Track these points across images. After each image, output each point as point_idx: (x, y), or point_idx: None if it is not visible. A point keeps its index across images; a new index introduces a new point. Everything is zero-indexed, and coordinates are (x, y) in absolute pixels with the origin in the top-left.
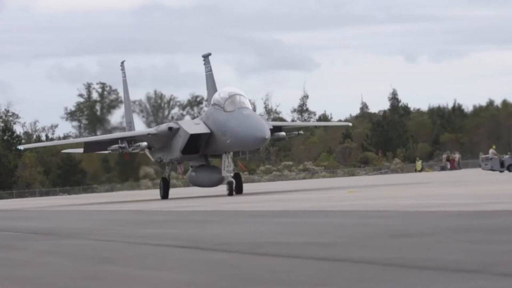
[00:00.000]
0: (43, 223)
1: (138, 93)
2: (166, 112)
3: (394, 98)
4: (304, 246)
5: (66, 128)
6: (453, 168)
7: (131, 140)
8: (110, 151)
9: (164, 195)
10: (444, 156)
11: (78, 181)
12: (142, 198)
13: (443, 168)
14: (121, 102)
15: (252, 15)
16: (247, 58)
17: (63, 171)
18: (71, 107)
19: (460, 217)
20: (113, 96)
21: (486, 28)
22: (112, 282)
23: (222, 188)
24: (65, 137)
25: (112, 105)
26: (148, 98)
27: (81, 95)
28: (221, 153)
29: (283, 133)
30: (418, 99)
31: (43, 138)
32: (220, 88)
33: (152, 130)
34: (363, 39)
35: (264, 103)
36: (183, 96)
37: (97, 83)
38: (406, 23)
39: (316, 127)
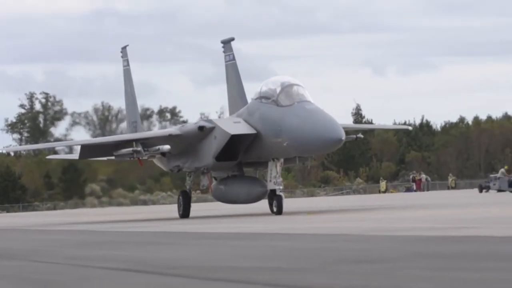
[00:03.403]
0: None
1: (85, 104)
2: (114, 126)
3: (357, 114)
4: (259, 271)
5: (6, 140)
6: (418, 189)
7: (143, 143)
8: (116, 157)
9: (184, 213)
10: (411, 176)
11: (18, 198)
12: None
13: (408, 189)
14: (65, 114)
15: (209, 22)
16: (204, 68)
17: (1, 187)
18: (12, 118)
19: (426, 242)
20: (57, 108)
21: (459, 40)
22: None
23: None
24: None
25: (56, 117)
26: (95, 110)
27: (22, 106)
28: (265, 160)
29: None
30: (383, 115)
31: None
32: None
33: (174, 130)
34: (327, 50)
35: (219, 117)
36: None
37: (40, 93)
38: (374, 33)
39: (372, 130)
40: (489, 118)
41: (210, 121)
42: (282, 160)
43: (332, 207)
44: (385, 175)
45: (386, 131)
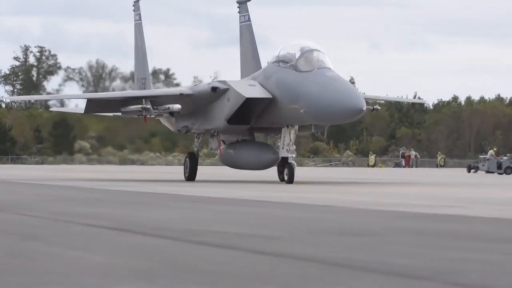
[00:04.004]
0: None
1: (80, 60)
2: (107, 83)
3: None
4: (244, 237)
5: None
6: (407, 165)
7: (152, 100)
8: (123, 113)
9: (190, 176)
10: (400, 152)
11: (7, 150)
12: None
13: (397, 165)
14: (59, 68)
15: None
16: (200, 32)
17: None
18: (6, 70)
19: (412, 219)
20: (51, 62)
21: (458, 19)
22: (39, 261)
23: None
24: None
25: (50, 71)
26: (90, 67)
27: (16, 58)
28: (279, 126)
29: None
30: (377, 90)
31: None
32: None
33: (186, 89)
34: (325, 21)
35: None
36: (127, 68)
37: (35, 47)
38: (374, 7)
39: (388, 101)
40: (482, 99)
41: (224, 82)
42: (296, 127)
43: (320, 178)
44: (374, 149)
45: (379, 105)
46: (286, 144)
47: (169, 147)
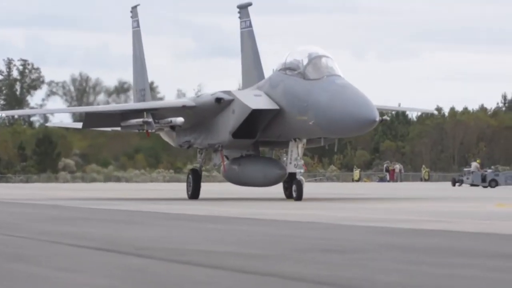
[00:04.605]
0: None
1: (64, 73)
2: (92, 98)
3: None
4: (229, 256)
5: None
6: (392, 179)
7: (153, 113)
8: (123, 128)
9: (194, 194)
10: (385, 166)
11: None
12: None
13: (382, 179)
14: (43, 82)
15: None
16: (183, 42)
17: None
18: None
19: (396, 235)
20: (35, 75)
21: (440, 28)
22: (22, 282)
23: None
24: None
25: (33, 85)
26: (73, 80)
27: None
28: (285, 140)
29: None
30: None
31: None
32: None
33: (188, 101)
34: (307, 29)
35: (196, 94)
36: (110, 81)
37: (18, 60)
38: (355, 15)
39: (396, 111)
40: (466, 109)
41: (228, 92)
42: (304, 140)
43: (308, 194)
44: (359, 164)
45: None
46: (293, 159)
47: (153, 163)
